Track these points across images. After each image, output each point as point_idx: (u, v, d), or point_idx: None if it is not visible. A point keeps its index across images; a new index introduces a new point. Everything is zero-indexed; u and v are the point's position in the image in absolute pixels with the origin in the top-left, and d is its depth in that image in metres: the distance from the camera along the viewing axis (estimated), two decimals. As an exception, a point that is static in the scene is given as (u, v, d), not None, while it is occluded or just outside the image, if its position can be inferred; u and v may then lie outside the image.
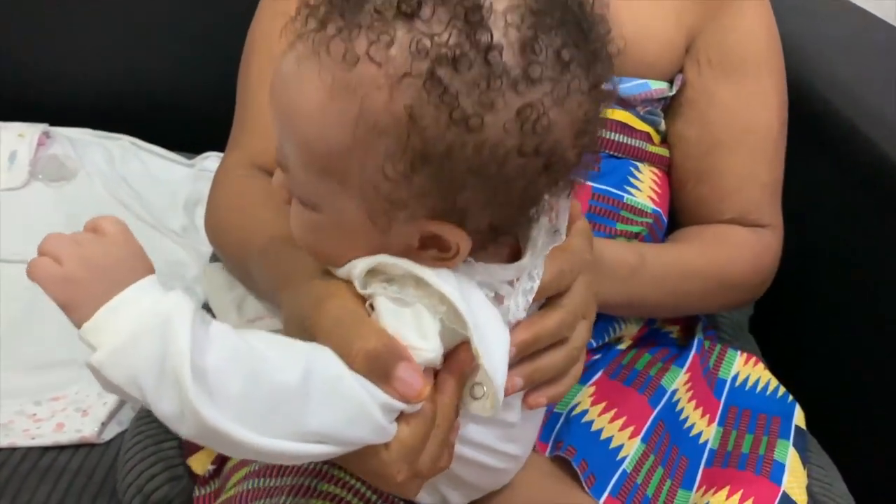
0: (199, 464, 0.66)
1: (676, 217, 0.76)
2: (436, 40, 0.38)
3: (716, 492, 0.61)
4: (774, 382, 0.75)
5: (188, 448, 0.67)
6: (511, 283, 0.46)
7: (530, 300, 0.47)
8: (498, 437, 0.52)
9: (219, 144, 1.12)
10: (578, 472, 0.59)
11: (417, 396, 0.42)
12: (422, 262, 0.43)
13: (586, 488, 0.58)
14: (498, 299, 0.46)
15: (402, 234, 0.43)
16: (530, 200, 0.44)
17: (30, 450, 0.75)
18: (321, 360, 0.42)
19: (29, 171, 1.05)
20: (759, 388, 0.75)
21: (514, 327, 0.47)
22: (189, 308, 0.40)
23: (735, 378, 0.75)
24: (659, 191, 0.73)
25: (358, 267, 0.44)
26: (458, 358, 0.44)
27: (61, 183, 1.06)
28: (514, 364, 0.47)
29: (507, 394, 0.45)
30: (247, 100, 0.74)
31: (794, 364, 0.85)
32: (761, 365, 0.77)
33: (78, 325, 0.39)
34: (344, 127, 0.40)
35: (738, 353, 0.77)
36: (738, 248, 0.72)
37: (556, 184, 0.44)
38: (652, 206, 0.71)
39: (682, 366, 0.71)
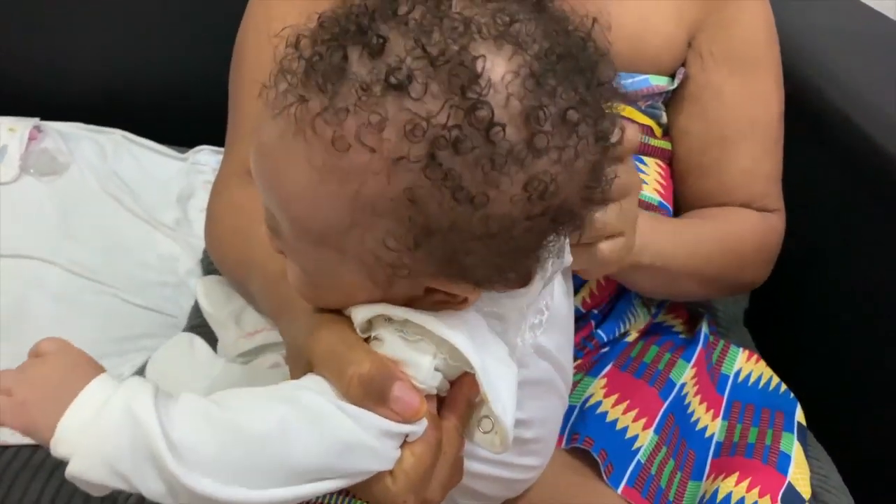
0: None
1: (680, 208, 0.77)
2: (432, 121, 0.35)
3: (725, 478, 0.61)
4: (776, 379, 0.76)
5: None
6: (520, 311, 0.44)
7: (538, 335, 0.46)
8: (516, 452, 0.51)
9: (211, 138, 1.13)
10: (599, 461, 0.59)
11: (416, 414, 0.41)
12: (428, 306, 0.42)
13: (605, 477, 0.58)
14: (505, 331, 0.44)
15: (405, 287, 0.41)
16: (539, 248, 0.41)
17: (21, 447, 0.74)
18: (305, 397, 0.41)
19: (20, 165, 1.03)
20: (761, 385, 0.75)
21: None
22: (147, 389, 0.40)
23: (738, 374, 0.76)
24: (664, 183, 0.73)
25: (359, 315, 0.43)
26: (462, 386, 0.44)
27: (53, 177, 1.05)
28: None
29: None
30: (238, 105, 0.73)
31: (787, 356, 0.85)
32: (763, 362, 0.78)
33: (47, 446, 0.39)
34: (339, 208, 0.38)
35: (741, 349, 0.78)
36: (746, 224, 0.73)
37: (565, 230, 0.41)
38: (658, 198, 0.72)
39: (689, 360, 0.72)
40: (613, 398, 0.65)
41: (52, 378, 0.40)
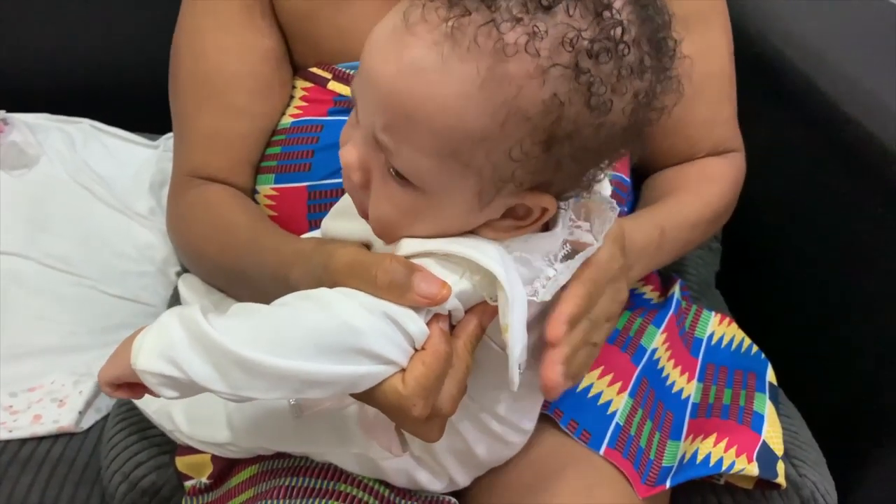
0: (189, 468, 0.65)
1: (650, 164, 0.80)
2: (581, 34, 0.41)
3: (703, 439, 0.64)
4: (748, 341, 0.78)
5: (180, 449, 0.66)
6: (547, 258, 0.48)
7: (556, 288, 0.49)
8: (511, 407, 0.55)
9: (182, 124, 1.12)
10: (568, 432, 0.61)
11: (439, 296, 0.45)
12: (494, 233, 0.47)
13: (584, 444, 0.60)
14: (530, 278, 0.48)
15: (494, 208, 0.46)
16: (610, 161, 0.47)
17: (8, 441, 0.75)
18: (322, 293, 0.46)
19: (-12, 159, 1.03)
20: (733, 347, 0.78)
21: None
22: (195, 305, 0.46)
23: (711, 337, 0.78)
24: None
25: (404, 249, 0.47)
26: (476, 311, 0.48)
27: (23, 171, 1.04)
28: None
29: (553, 385, 0.48)
30: (180, 112, 0.74)
31: (758, 316, 0.88)
32: (735, 325, 0.80)
33: (129, 365, 0.45)
34: (488, 115, 0.41)
35: (713, 313, 0.80)
36: (722, 181, 0.77)
37: (630, 146, 0.47)
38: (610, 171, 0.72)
39: (659, 325, 0.73)
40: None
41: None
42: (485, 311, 0.48)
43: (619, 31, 0.41)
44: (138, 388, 0.46)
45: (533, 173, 0.44)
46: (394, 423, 0.52)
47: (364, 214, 0.49)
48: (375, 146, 0.45)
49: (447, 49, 0.41)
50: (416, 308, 0.46)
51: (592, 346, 0.52)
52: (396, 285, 0.45)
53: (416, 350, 0.46)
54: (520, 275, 0.47)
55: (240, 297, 0.69)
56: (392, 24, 0.43)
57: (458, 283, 0.46)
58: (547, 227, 0.50)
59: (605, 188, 0.54)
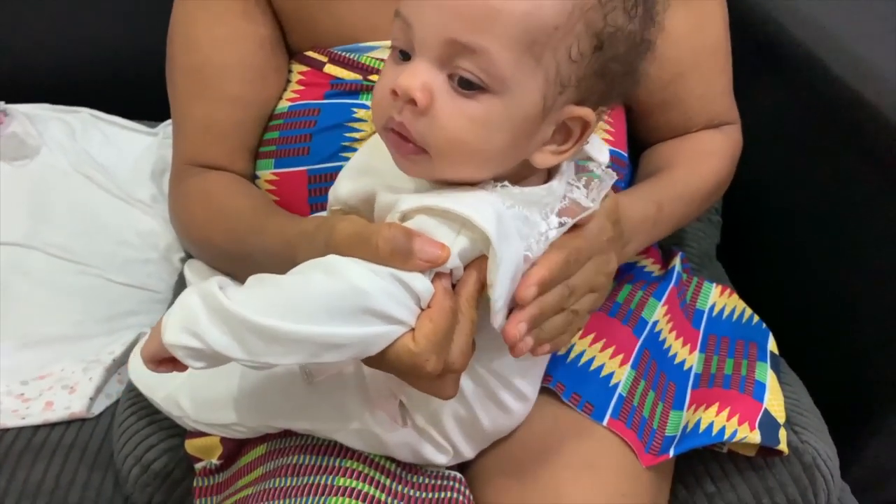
0: (199, 450, 0.66)
1: (647, 138, 0.80)
2: None
3: (706, 408, 0.64)
4: (749, 311, 0.79)
5: (189, 432, 0.67)
6: (543, 212, 0.51)
7: (548, 244, 0.51)
8: (513, 369, 0.56)
9: (181, 110, 1.12)
10: (570, 404, 0.61)
11: (440, 258, 0.47)
12: (543, 157, 0.50)
13: (588, 416, 0.61)
14: (526, 233, 0.50)
15: (550, 122, 0.49)
16: (617, 95, 0.51)
17: (22, 429, 0.76)
18: (328, 259, 0.48)
19: (-11, 151, 1.03)
20: (734, 317, 0.78)
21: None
22: (213, 280, 0.48)
23: (712, 308, 0.78)
24: (612, 129, 0.74)
25: (403, 205, 0.49)
26: (475, 264, 0.49)
27: (24, 161, 1.04)
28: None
29: (513, 340, 0.50)
30: (177, 102, 0.74)
31: (760, 286, 0.89)
32: (735, 295, 0.81)
33: (160, 341, 0.48)
34: (556, 6, 0.46)
35: (714, 285, 0.80)
36: (719, 155, 0.77)
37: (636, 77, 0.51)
38: (608, 147, 0.72)
39: (659, 298, 0.74)
40: (589, 338, 0.67)
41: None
42: (482, 265, 0.49)
43: None
44: (178, 361, 0.48)
45: (581, 79, 0.48)
46: (395, 392, 0.53)
47: (409, 151, 0.49)
48: (440, 64, 0.47)
49: None
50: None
51: (572, 313, 0.53)
52: (398, 252, 0.47)
53: (422, 309, 0.48)
54: (517, 229, 0.49)
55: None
56: None
57: (456, 241, 0.48)
58: (548, 180, 0.53)
59: (603, 155, 0.55)
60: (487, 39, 0.46)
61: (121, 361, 0.83)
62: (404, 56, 0.49)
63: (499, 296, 0.49)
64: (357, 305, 0.45)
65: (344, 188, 0.57)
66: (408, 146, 0.49)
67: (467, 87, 0.47)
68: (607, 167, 0.56)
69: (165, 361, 0.49)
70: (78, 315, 0.89)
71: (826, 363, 0.84)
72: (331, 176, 0.68)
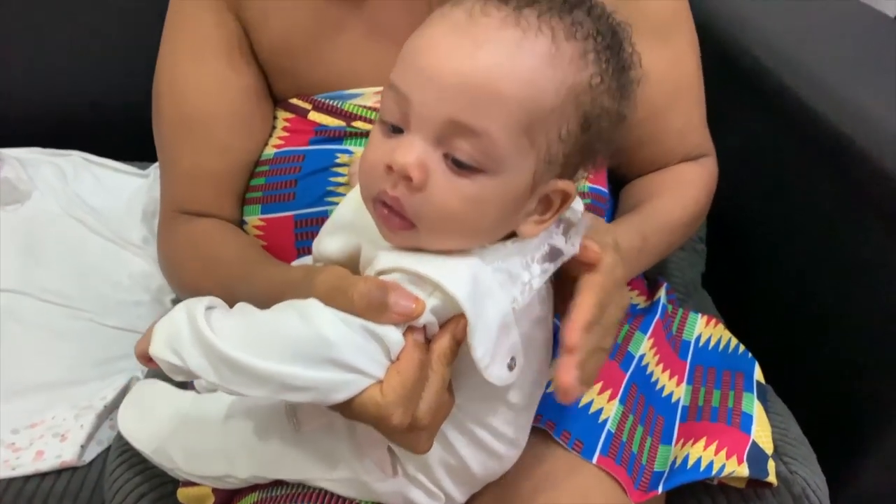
0: (191, 499, 0.66)
1: (626, 173, 0.81)
2: (600, 30, 0.49)
3: (694, 443, 0.65)
4: (735, 341, 0.80)
5: (182, 481, 0.67)
6: (524, 262, 0.52)
7: (533, 293, 0.51)
8: (503, 419, 0.56)
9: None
10: (561, 442, 0.62)
11: (415, 311, 0.48)
12: (528, 228, 0.51)
13: (577, 454, 0.61)
14: (510, 286, 0.51)
15: (535, 196, 0.50)
16: (595, 165, 0.53)
17: (12, 479, 0.75)
18: (304, 304, 0.49)
19: (-19, 197, 1.04)
20: (720, 347, 0.79)
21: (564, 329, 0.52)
22: (203, 300, 0.50)
23: (698, 339, 0.79)
24: None
25: (380, 263, 0.50)
26: (450, 323, 0.50)
27: (16, 206, 1.05)
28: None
29: (568, 388, 0.50)
30: (164, 150, 0.75)
31: (747, 313, 0.90)
32: (721, 325, 0.81)
33: (147, 351, 0.51)
34: (554, 90, 0.47)
35: (699, 315, 0.81)
36: (697, 185, 0.79)
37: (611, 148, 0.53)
38: (588, 184, 0.74)
39: (645, 332, 0.75)
40: None
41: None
42: (458, 324, 0.49)
43: (619, 38, 0.50)
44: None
45: (567, 156, 0.50)
46: (385, 441, 0.53)
47: (398, 226, 0.49)
48: (436, 142, 0.47)
49: (519, 33, 0.47)
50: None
51: (603, 351, 0.54)
52: (374, 306, 0.47)
53: (392, 362, 0.48)
54: (499, 283, 0.50)
55: None
56: (451, 23, 0.47)
57: (429, 300, 0.49)
58: None
59: (577, 203, 0.56)
60: (489, 122, 0.46)
61: (112, 407, 0.83)
62: (395, 129, 0.49)
63: (482, 354, 0.49)
64: (320, 353, 0.47)
65: (328, 245, 0.57)
66: (396, 220, 0.49)
67: (463, 166, 0.48)
68: (583, 211, 0.57)
69: (153, 360, 0.51)
70: (70, 360, 0.89)
71: (814, 391, 0.84)
72: (316, 220, 0.69)
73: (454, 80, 0.46)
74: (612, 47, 0.49)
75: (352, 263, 0.55)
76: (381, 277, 0.50)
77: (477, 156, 0.47)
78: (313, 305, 0.48)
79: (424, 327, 0.49)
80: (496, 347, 0.50)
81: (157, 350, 0.49)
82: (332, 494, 0.59)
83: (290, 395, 0.47)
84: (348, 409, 0.49)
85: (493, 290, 0.49)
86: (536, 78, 0.47)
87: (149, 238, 1.05)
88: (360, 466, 0.56)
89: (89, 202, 1.09)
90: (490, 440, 0.57)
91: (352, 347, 0.47)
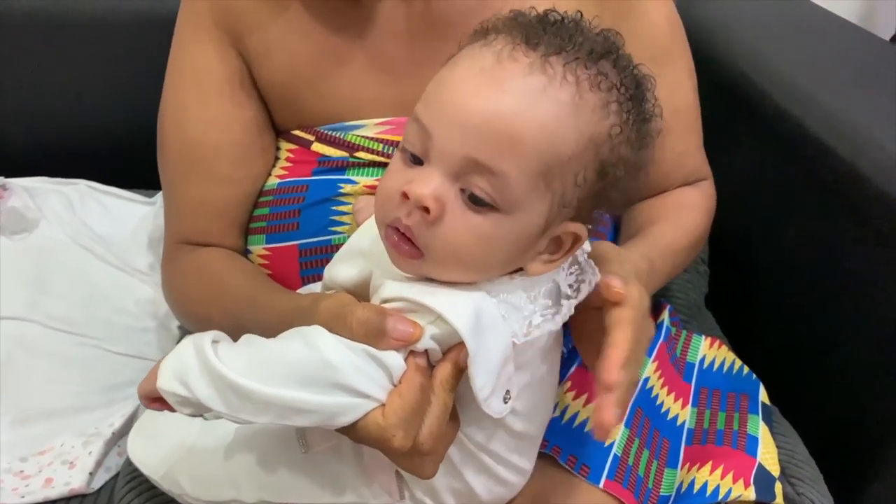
0: None
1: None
2: (624, 82, 0.50)
3: (700, 467, 0.65)
4: (739, 363, 0.80)
5: None
6: (529, 296, 0.52)
7: (532, 327, 0.52)
8: (509, 447, 0.57)
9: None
10: (567, 468, 0.62)
11: (413, 336, 0.49)
12: (538, 266, 0.52)
13: (584, 478, 0.62)
14: (516, 317, 0.51)
15: (546, 237, 0.51)
16: (608, 209, 0.53)
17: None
18: (309, 331, 0.50)
19: (-11, 226, 1.05)
20: (725, 369, 0.79)
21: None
22: (209, 334, 0.51)
23: (702, 361, 0.79)
24: None
25: (385, 292, 0.51)
26: (453, 351, 0.51)
27: (23, 235, 1.06)
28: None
29: (609, 427, 0.50)
30: (168, 182, 0.76)
31: (751, 333, 0.90)
32: (725, 347, 0.82)
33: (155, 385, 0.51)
34: (573, 139, 0.48)
35: (703, 337, 0.81)
36: (697, 210, 0.80)
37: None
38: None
39: (649, 355, 0.75)
40: (582, 399, 0.67)
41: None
42: (460, 351, 0.50)
43: (643, 83, 0.51)
44: (166, 402, 0.51)
45: (581, 200, 0.50)
46: (393, 465, 0.54)
47: (406, 254, 0.50)
48: (453, 177, 0.48)
49: (544, 80, 0.47)
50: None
51: (634, 385, 0.54)
52: (372, 332, 0.49)
53: (394, 385, 0.49)
54: (503, 316, 0.51)
55: None
56: (479, 64, 0.48)
57: (428, 328, 0.50)
58: None
59: (587, 245, 0.57)
60: (507, 164, 0.47)
61: (120, 434, 0.83)
62: (415, 160, 0.50)
63: (482, 386, 0.50)
64: (325, 378, 0.48)
65: (340, 272, 0.58)
66: (406, 248, 0.50)
67: (478, 203, 0.48)
68: (589, 256, 0.57)
69: (157, 401, 0.51)
70: (77, 387, 0.89)
71: (820, 410, 0.85)
72: (321, 249, 0.70)
73: (477, 121, 0.47)
74: (635, 98, 0.50)
75: (364, 291, 0.56)
76: (385, 305, 0.51)
77: (493, 194, 0.48)
78: (318, 332, 0.50)
79: (427, 353, 0.50)
80: (497, 380, 0.50)
81: (165, 383, 0.50)
82: None
83: (296, 420, 0.48)
84: (353, 432, 0.50)
85: (495, 323, 0.50)
86: (558, 126, 0.47)
87: (155, 265, 1.06)
88: (367, 491, 0.57)
89: (96, 230, 1.10)
90: (496, 467, 0.57)
91: (355, 372, 0.48)
